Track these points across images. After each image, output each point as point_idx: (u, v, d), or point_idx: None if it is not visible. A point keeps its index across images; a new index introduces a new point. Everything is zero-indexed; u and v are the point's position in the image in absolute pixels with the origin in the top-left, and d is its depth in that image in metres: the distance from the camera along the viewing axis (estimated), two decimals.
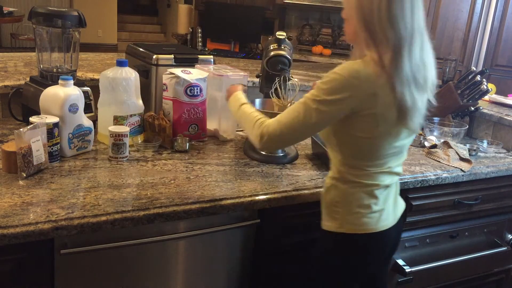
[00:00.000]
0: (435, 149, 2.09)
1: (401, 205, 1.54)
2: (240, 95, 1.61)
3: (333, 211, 1.41)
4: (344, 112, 1.28)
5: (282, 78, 1.90)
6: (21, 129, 1.43)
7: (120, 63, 1.77)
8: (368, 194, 1.38)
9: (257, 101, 1.89)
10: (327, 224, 1.44)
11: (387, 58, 1.24)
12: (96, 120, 1.82)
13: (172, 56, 1.96)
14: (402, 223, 1.54)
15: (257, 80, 2.19)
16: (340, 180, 1.39)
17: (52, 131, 1.53)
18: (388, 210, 1.43)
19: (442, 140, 2.18)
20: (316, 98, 1.29)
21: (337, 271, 1.46)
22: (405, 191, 1.81)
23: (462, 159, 2.04)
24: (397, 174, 1.44)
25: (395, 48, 1.24)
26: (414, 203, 1.89)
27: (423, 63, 1.29)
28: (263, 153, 1.81)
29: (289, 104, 1.81)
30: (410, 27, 1.24)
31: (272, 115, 1.73)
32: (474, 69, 2.44)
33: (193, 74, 1.84)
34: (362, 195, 1.38)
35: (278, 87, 1.83)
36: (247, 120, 1.47)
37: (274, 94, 1.83)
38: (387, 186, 1.41)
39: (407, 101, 1.26)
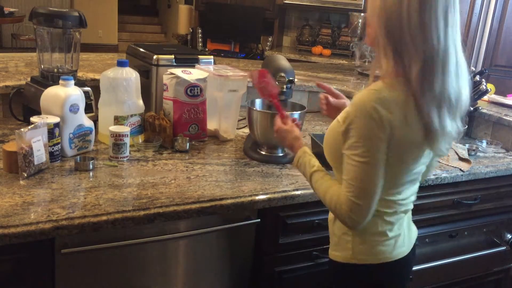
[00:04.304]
0: None
1: (414, 230, 1.41)
2: (307, 156, 1.33)
3: (344, 240, 1.29)
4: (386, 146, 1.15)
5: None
6: (22, 129, 1.44)
7: (121, 64, 1.77)
8: (383, 220, 1.25)
9: (257, 101, 1.89)
10: (336, 254, 1.32)
11: (414, 71, 1.10)
12: (97, 120, 1.82)
13: (173, 56, 1.96)
14: (415, 253, 1.39)
15: None
16: None
17: (53, 131, 1.54)
18: (404, 235, 1.32)
19: None
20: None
21: None
22: None
23: (461, 159, 2.05)
24: (412, 202, 1.34)
25: (426, 61, 1.10)
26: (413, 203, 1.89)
27: (457, 83, 1.15)
28: (263, 152, 1.82)
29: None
30: (443, 41, 1.10)
31: (272, 114, 1.75)
32: (474, 69, 2.44)
33: (193, 74, 1.85)
34: (377, 220, 1.24)
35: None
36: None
37: None
38: (402, 212, 1.30)
39: (435, 122, 1.13)
